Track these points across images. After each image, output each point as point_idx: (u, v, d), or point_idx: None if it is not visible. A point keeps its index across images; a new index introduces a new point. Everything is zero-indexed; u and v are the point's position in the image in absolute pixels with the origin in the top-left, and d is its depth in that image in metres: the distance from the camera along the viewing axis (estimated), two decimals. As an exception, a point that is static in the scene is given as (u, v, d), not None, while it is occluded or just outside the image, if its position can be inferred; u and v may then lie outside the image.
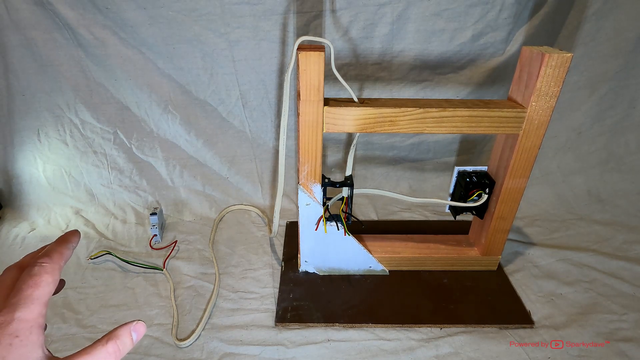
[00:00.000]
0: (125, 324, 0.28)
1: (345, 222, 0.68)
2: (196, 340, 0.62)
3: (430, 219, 0.90)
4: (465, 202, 0.67)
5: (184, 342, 0.61)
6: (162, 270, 0.75)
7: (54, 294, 0.27)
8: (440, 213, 0.91)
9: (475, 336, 0.62)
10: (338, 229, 0.68)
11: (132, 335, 0.27)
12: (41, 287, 0.26)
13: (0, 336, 0.23)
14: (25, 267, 0.27)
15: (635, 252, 0.79)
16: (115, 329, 0.27)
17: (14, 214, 0.89)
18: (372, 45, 0.80)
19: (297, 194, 0.65)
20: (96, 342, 0.26)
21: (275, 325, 0.64)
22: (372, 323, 0.64)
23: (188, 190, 0.92)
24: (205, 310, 0.66)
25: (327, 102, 0.57)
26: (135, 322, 0.28)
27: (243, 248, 0.81)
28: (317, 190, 0.64)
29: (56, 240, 0.30)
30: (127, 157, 0.89)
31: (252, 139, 0.91)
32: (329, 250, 0.71)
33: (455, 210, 0.70)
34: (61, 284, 0.30)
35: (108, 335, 0.26)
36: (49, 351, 0.25)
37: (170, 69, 0.81)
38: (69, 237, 0.31)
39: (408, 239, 0.77)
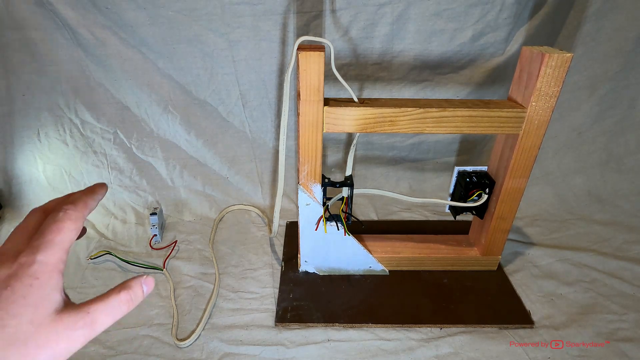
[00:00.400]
0: (136, 277, 0.28)
1: (345, 222, 0.68)
2: (196, 340, 0.62)
3: (430, 219, 0.90)
4: (465, 202, 0.67)
5: (184, 342, 0.61)
6: (162, 270, 0.75)
7: (76, 239, 0.28)
8: (440, 213, 0.91)
9: (475, 336, 0.62)
10: (338, 229, 0.68)
11: (143, 287, 0.28)
12: (63, 233, 0.26)
13: (21, 276, 0.23)
14: (50, 212, 0.27)
15: (635, 252, 0.79)
16: (127, 280, 0.28)
17: (14, 214, 0.89)
18: (372, 45, 0.80)
19: (297, 194, 0.65)
20: (110, 291, 0.27)
21: (275, 325, 0.64)
22: (372, 323, 0.64)
23: (188, 190, 0.92)
24: (205, 310, 0.66)
25: (327, 102, 0.57)
26: (145, 276, 0.29)
27: (243, 248, 0.81)
28: (317, 190, 0.64)
29: (83, 189, 0.30)
30: (127, 157, 0.89)
31: (252, 139, 0.91)
32: (329, 250, 0.71)
33: (455, 210, 0.70)
34: (83, 231, 0.30)
35: (121, 286, 0.27)
36: (66, 295, 0.26)
37: (170, 69, 0.81)
38: (96, 189, 0.31)
39: (408, 239, 0.77)
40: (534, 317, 0.65)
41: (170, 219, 0.89)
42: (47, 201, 0.30)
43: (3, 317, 0.22)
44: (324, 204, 0.66)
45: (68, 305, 0.25)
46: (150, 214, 0.81)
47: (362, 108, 0.56)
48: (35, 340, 0.23)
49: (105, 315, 0.26)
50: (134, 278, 0.28)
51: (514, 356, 0.59)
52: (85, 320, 0.25)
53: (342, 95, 0.60)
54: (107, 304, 0.26)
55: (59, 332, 0.24)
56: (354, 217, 0.70)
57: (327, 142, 0.94)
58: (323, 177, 0.63)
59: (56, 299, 0.25)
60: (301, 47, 0.53)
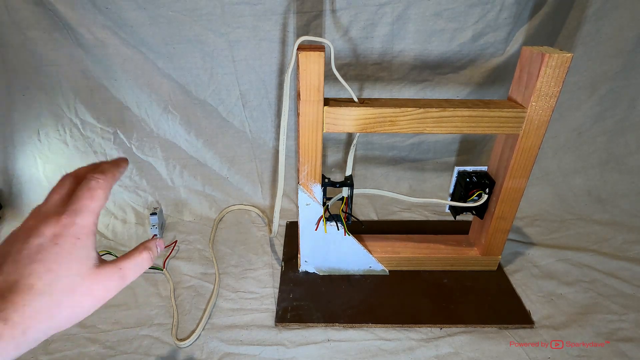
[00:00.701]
0: (151, 239, 0.34)
1: (345, 222, 0.67)
2: (196, 340, 0.62)
3: (430, 219, 0.90)
4: (465, 202, 0.67)
5: (184, 342, 0.61)
6: (162, 270, 0.75)
7: None
8: (440, 213, 0.91)
9: (475, 336, 0.62)
10: (338, 229, 0.68)
11: (157, 249, 0.34)
12: (96, 200, 0.30)
13: (66, 235, 0.28)
14: (81, 179, 0.32)
15: (635, 252, 0.79)
16: (145, 242, 0.34)
17: (14, 214, 0.89)
18: (372, 45, 0.80)
19: (297, 194, 0.65)
20: (133, 251, 0.32)
21: (275, 325, 0.64)
22: (372, 323, 0.64)
23: (188, 190, 0.92)
24: (205, 310, 0.66)
25: (327, 102, 0.57)
26: (157, 238, 0.35)
27: (243, 248, 0.81)
28: (317, 190, 0.64)
29: (109, 161, 0.35)
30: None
31: (252, 139, 0.91)
32: (329, 250, 0.71)
33: (455, 210, 0.70)
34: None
35: (142, 246, 0.33)
36: (97, 253, 0.31)
37: (170, 69, 0.81)
38: (120, 162, 0.35)
39: (408, 239, 0.77)
40: (534, 317, 0.65)
41: (170, 219, 0.89)
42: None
43: (56, 269, 0.27)
44: (324, 204, 0.66)
45: (102, 261, 0.30)
46: (150, 214, 0.81)
47: (362, 108, 0.56)
48: (81, 289, 0.28)
49: (133, 271, 0.31)
50: (149, 241, 0.34)
51: (514, 356, 0.59)
52: (118, 273, 0.30)
53: (342, 95, 0.60)
54: (134, 261, 0.32)
55: (98, 282, 0.29)
56: (354, 217, 0.70)
57: (327, 142, 0.94)
58: (323, 177, 0.63)
59: (94, 255, 0.30)
60: (301, 47, 0.53)
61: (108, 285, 0.29)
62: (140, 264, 0.32)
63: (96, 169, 0.32)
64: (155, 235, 0.32)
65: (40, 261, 0.27)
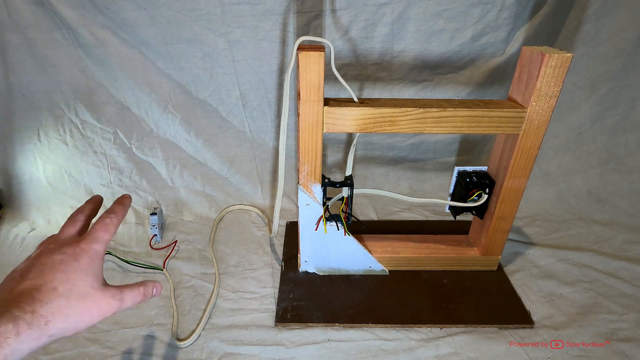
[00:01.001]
0: (152, 280, 0.41)
1: (345, 222, 0.67)
2: (196, 340, 0.62)
3: (430, 219, 0.90)
4: (465, 202, 0.67)
5: (184, 342, 0.61)
6: (162, 270, 0.75)
7: None
8: (440, 213, 0.91)
9: (475, 336, 0.62)
10: (338, 229, 0.68)
11: (154, 290, 0.40)
12: (109, 233, 0.38)
13: (84, 256, 0.35)
14: (90, 217, 0.41)
15: (635, 252, 0.79)
16: (146, 280, 0.40)
17: (14, 214, 0.89)
18: (372, 45, 0.80)
19: (297, 194, 0.65)
20: (133, 284, 0.39)
21: (275, 325, 0.64)
22: (372, 323, 0.64)
23: (188, 190, 0.92)
24: (205, 310, 0.66)
25: (327, 102, 0.57)
26: (158, 283, 0.41)
27: (243, 248, 0.81)
28: (317, 190, 0.64)
29: (116, 201, 0.41)
30: (127, 157, 0.89)
31: (252, 139, 0.91)
32: (329, 250, 0.71)
33: (455, 210, 0.70)
34: None
35: (141, 282, 0.39)
36: (103, 277, 0.37)
37: (170, 69, 0.81)
38: (125, 201, 0.42)
39: (408, 239, 0.77)
40: (534, 317, 0.65)
41: (170, 219, 0.89)
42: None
43: (74, 278, 0.33)
44: (324, 204, 0.66)
45: (107, 283, 0.37)
46: (150, 214, 0.81)
47: (362, 108, 0.56)
48: (92, 299, 0.34)
49: (130, 298, 0.37)
50: (150, 281, 0.40)
51: (514, 356, 0.59)
52: (120, 295, 0.36)
53: (342, 95, 0.60)
54: (132, 291, 0.38)
55: (105, 298, 0.35)
56: (354, 217, 0.70)
57: (327, 142, 0.94)
58: (323, 177, 0.63)
59: (102, 276, 0.36)
60: (301, 47, 0.53)
61: (111, 302, 0.35)
62: (135, 296, 0.38)
63: (110, 210, 0.40)
64: (155, 282, 0.41)
65: (62, 271, 0.33)
